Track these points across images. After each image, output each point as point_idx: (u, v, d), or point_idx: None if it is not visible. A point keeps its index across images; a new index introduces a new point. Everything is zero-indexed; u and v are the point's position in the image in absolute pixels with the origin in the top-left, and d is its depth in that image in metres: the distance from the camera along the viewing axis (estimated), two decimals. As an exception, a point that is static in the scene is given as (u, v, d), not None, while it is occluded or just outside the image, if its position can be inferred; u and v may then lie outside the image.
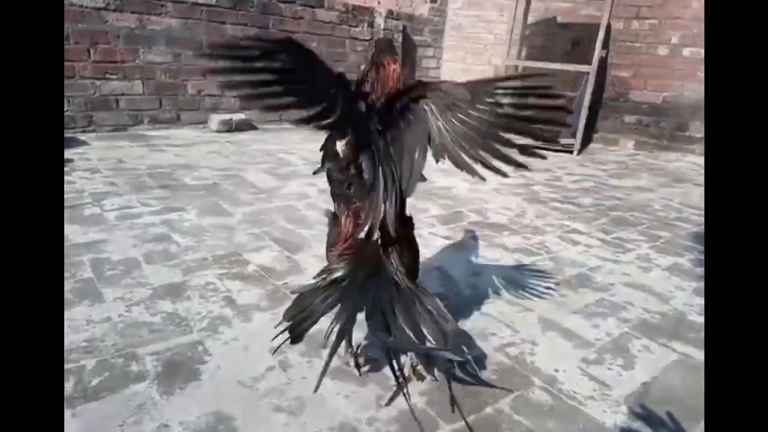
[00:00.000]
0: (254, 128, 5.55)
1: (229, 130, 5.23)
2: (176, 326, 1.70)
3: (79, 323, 1.66)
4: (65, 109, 4.36)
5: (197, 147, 4.46)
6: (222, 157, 4.20)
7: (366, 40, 6.52)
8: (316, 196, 3.30)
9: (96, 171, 3.43)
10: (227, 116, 5.28)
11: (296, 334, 1.29)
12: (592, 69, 5.52)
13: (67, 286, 1.89)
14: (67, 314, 1.71)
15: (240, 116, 5.38)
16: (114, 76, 4.56)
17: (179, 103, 5.07)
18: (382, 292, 1.31)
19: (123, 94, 4.66)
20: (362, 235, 1.29)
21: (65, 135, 4.28)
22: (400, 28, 6.76)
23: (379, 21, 6.52)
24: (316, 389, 1.33)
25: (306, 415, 1.33)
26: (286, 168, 4.02)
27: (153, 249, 2.28)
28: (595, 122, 6.56)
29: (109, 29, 4.43)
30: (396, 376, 1.26)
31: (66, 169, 3.44)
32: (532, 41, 6.82)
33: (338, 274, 1.34)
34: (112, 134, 4.60)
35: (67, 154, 3.81)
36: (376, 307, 1.27)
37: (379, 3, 7.32)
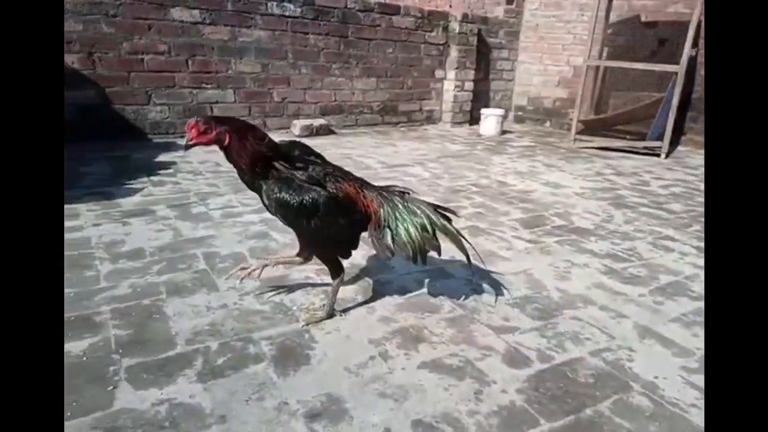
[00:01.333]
0: (332, 133, 5.77)
1: (310, 135, 5.48)
2: (284, 315, 1.85)
3: (201, 309, 1.86)
4: (166, 116, 4.77)
5: (282, 151, 4.72)
6: (305, 160, 4.42)
7: (440, 44, 6.59)
8: (397, 199, 3.40)
9: (198, 173, 3.74)
10: (308, 121, 5.54)
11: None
12: (680, 69, 5.23)
13: (186, 275, 2.11)
14: (189, 300, 1.91)
15: (320, 121, 5.63)
16: (209, 86, 4.94)
17: (265, 110, 5.39)
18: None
19: (216, 102, 5.03)
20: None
21: (166, 140, 4.70)
22: (475, 30, 6.76)
23: (454, 25, 6.56)
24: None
25: (409, 403, 1.41)
26: (364, 171, 4.16)
27: (255, 245, 2.47)
28: (683, 124, 6.21)
29: (205, 42, 4.81)
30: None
31: (170, 171, 3.78)
32: (614, 41, 6.57)
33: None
34: (206, 139, 4.98)
35: (170, 157, 4.18)
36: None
37: (450, 7, 7.36)
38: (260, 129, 1.64)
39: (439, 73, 6.72)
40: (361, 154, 4.83)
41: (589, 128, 6.19)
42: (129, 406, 1.35)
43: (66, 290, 1.91)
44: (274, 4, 5.11)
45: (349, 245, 1.79)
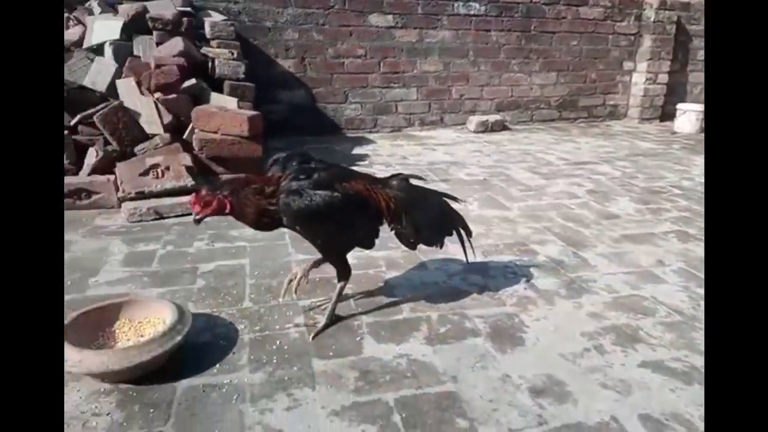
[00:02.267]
0: (507, 129, 5.76)
1: (485, 131, 5.56)
2: (491, 298, 1.98)
3: (416, 283, 2.09)
4: (359, 113, 5.28)
5: (460, 146, 4.89)
6: (484, 155, 4.52)
7: (631, 35, 6.10)
8: (585, 196, 3.31)
9: (389, 165, 4.10)
10: (484, 117, 5.62)
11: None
12: None
13: (398, 254, 2.37)
14: (404, 275, 2.16)
15: (495, 117, 5.67)
16: (396, 85, 5.33)
17: (443, 107, 5.62)
18: None
19: (401, 100, 5.40)
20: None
21: (357, 135, 5.20)
22: (674, 18, 6.10)
23: (649, 13, 6.01)
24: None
25: (634, 398, 1.43)
26: (546, 167, 4.10)
27: (452, 232, 2.65)
28: None
29: (395, 45, 5.19)
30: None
31: (366, 162, 4.20)
32: None
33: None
34: (391, 134, 5.38)
35: (363, 150, 4.63)
36: None
37: (644, -7, 6.73)
38: (260, 175, 1.65)
39: (627, 65, 6.23)
40: (540, 150, 4.76)
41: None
42: (375, 355, 1.61)
43: (309, 257, 2.30)
44: (460, 4, 5.28)
45: (370, 239, 1.80)
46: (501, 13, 5.48)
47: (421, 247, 2.44)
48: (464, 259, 1.93)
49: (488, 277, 2.15)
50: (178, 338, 1.50)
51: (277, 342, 1.68)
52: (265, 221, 1.59)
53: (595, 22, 5.91)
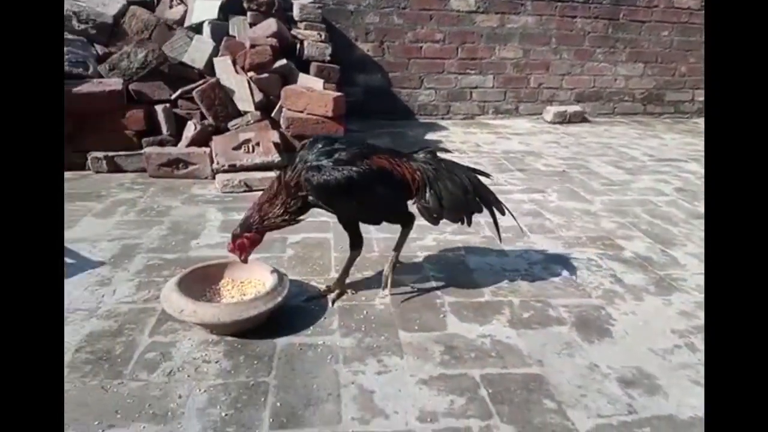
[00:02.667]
0: (586, 121, 5.55)
1: (563, 122, 5.39)
2: (575, 288, 1.97)
3: (497, 268, 2.11)
4: (432, 99, 5.28)
5: (536, 137, 4.78)
6: (562, 147, 4.40)
7: (731, 25, 5.65)
8: (672, 194, 3.16)
9: (463, 152, 4.09)
10: (562, 108, 5.45)
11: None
12: None
13: (477, 239, 2.39)
14: (484, 259, 2.18)
15: (575, 108, 5.48)
16: (472, 71, 5.27)
17: (520, 96, 5.49)
18: None
19: (476, 87, 5.34)
20: None
21: (430, 120, 5.21)
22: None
23: (754, 1, 5.54)
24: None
25: (729, 397, 1.39)
26: (631, 162, 3.94)
27: (531, 222, 2.63)
28: None
29: (475, 30, 5.13)
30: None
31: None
32: None
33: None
34: (463, 121, 5.35)
35: (435, 136, 4.64)
36: None
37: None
38: (277, 193, 1.64)
39: (723, 59, 5.79)
40: (622, 144, 4.56)
41: None
42: (459, 332, 1.66)
43: (389, 235, 2.37)
44: (546, -11, 5.12)
45: (405, 212, 1.81)
46: (588, 0, 5.26)
47: (501, 234, 2.46)
48: (544, 249, 1.93)
49: (571, 269, 2.12)
50: (279, 299, 1.61)
51: (364, 312, 1.76)
52: (299, 211, 1.65)
53: (690, 11, 5.54)
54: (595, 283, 2.01)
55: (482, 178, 1.87)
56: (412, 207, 1.80)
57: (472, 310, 1.79)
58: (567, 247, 2.33)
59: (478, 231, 2.49)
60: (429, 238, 2.38)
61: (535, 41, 5.30)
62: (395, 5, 4.88)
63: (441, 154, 1.84)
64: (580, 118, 5.52)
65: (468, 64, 5.25)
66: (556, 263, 2.17)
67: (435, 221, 1.77)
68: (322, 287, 1.87)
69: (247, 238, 1.63)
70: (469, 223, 1.81)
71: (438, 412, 1.31)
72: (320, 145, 1.65)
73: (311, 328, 1.65)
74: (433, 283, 1.97)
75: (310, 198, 1.63)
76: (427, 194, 1.72)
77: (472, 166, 3.58)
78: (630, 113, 5.83)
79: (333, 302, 1.79)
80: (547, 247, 2.32)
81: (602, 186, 3.30)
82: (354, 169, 1.58)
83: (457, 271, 2.08)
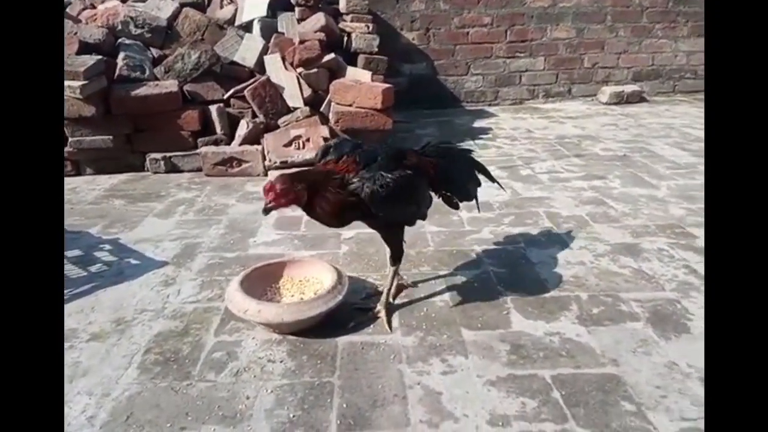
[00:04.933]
0: (644, 101, 5.24)
1: (619, 103, 5.11)
2: (647, 281, 1.85)
3: (560, 261, 2.01)
4: (479, 85, 5.13)
5: (592, 119, 4.56)
6: (620, 129, 4.17)
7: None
8: (749, 177, 2.92)
9: (514, 139, 3.96)
10: (618, 88, 5.16)
11: None
12: None
13: (536, 230, 2.30)
14: (547, 252, 2.08)
15: (632, 88, 5.18)
16: (522, 54, 5.08)
17: (572, 77, 5.25)
18: None
19: (526, 71, 5.15)
20: None
21: (477, 107, 5.08)
22: None
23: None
24: None
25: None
26: (696, 144, 3.68)
27: (594, 211, 2.50)
28: None
29: (525, 11, 4.92)
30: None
31: (489, 135, 4.09)
32: None
33: None
34: (512, 106, 5.17)
35: (484, 123, 4.51)
36: None
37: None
38: (339, 171, 1.49)
39: (801, 25, 5.31)
40: (685, 124, 4.28)
41: None
42: (525, 330, 1.59)
43: (444, 229, 2.32)
44: (600, -37, 4.84)
45: (427, 209, 1.74)
46: (646, -29, 4.93)
47: (562, 224, 2.36)
48: (610, 239, 1.82)
49: (641, 260, 2.00)
50: (339, 297, 1.60)
51: (424, 309, 1.73)
52: (346, 215, 1.49)
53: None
54: (668, 275, 1.88)
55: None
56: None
57: (537, 306, 1.71)
58: (635, 237, 2.20)
59: (537, 222, 2.39)
60: (485, 231, 2.31)
61: (590, 19, 5.03)
62: (440, -10, 4.76)
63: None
64: (638, 98, 5.22)
65: (517, 47, 5.06)
66: (624, 254, 2.05)
67: (456, 206, 1.81)
68: (373, 304, 1.72)
69: (291, 194, 1.41)
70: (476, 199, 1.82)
71: (510, 416, 1.26)
72: (349, 149, 1.54)
73: (372, 326, 1.63)
74: (494, 278, 1.90)
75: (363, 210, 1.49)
76: (446, 183, 1.73)
77: (524, 153, 3.53)
78: (692, 91, 5.45)
79: (377, 315, 1.67)
80: (613, 238, 2.20)
81: (668, 170, 3.10)
82: (407, 171, 1.52)
83: (518, 264, 2.01)
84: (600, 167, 3.18)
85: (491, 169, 3.16)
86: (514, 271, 1.96)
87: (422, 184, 1.63)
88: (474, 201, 1.80)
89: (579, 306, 1.71)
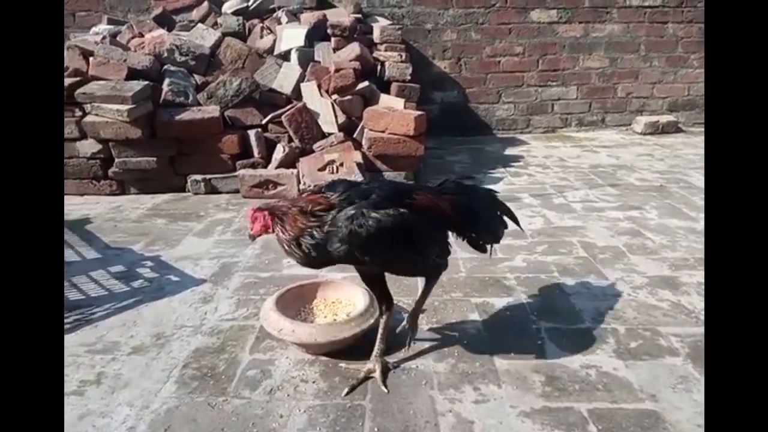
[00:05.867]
0: (680, 131, 5.15)
1: (654, 133, 5.04)
2: (686, 316, 1.80)
3: (596, 292, 1.98)
4: (511, 113, 5.16)
5: (626, 149, 4.50)
6: (656, 159, 4.10)
7: None
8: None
9: (546, 167, 3.94)
10: (654, 118, 5.10)
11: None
12: None
13: (570, 259, 2.27)
14: (581, 282, 2.06)
15: (668, 118, 5.11)
16: (554, 83, 5.09)
17: (606, 106, 5.22)
18: None
19: (558, 99, 5.15)
20: None
21: (508, 135, 5.09)
22: None
23: None
24: None
25: None
26: (737, 176, 3.58)
27: (631, 242, 2.46)
28: None
29: (557, 40, 4.96)
30: None
31: (521, 163, 4.08)
32: None
33: None
34: (544, 135, 5.16)
35: (516, 151, 4.51)
36: None
37: None
38: (306, 202, 1.38)
39: None
40: (725, 155, 4.17)
41: None
42: (559, 362, 1.56)
43: (476, 256, 2.30)
44: (634, -6, 4.86)
45: (436, 254, 1.51)
46: (681, 3, 4.92)
47: (597, 255, 2.32)
48: (647, 271, 1.77)
49: (680, 293, 1.95)
50: (371, 320, 1.61)
51: (456, 335, 1.72)
52: (306, 251, 1.34)
53: (805, 5, 5.00)
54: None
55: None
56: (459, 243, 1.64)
57: (572, 338, 1.69)
58: (673, 270, 2.15)
59: (571, 251, 2.37)
60: (518, 258, 2.29)
61: (623, 49, 5.03)
62: (473, 21, 4.86)
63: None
64: (674, 129, 5.14)
65: (549, 76, 5.08)
66: (662, 287, 2.00)
67: (483, 249, 1.63)
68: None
69: (259, 221, 1.36)
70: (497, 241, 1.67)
71: (544, 449, 1.23)
72: (343, 187, 1.43)
73: (403, 350, 1.63)
74: (527, 307, 1.89)
75: (339, 251, 1.33)
76: (469, 224, 1.57)
77: (557, 182, 3.51)
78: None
79: (369, 375, 1.51)
80: (651, 270, 2.15)
81: (707, 202, 3.03)
82: (401, 210, 1.35)
83: (553, 294, 1.98)
84: (636, 198, 3.13)
85: (523, 196, 3.18)
86: (548, 300, 1.94)
87: (426, 226, 1.43)
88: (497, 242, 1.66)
89: (616, 339, 1.67)
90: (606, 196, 3.18)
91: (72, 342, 1.69)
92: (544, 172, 3.79)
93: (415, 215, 1.38)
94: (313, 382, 1.50)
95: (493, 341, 1.68)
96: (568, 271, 2.16)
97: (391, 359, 1.58)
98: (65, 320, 1.81)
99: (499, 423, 1.32)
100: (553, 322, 1.78)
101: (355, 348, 1.60)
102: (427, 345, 1.66)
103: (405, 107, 3.48)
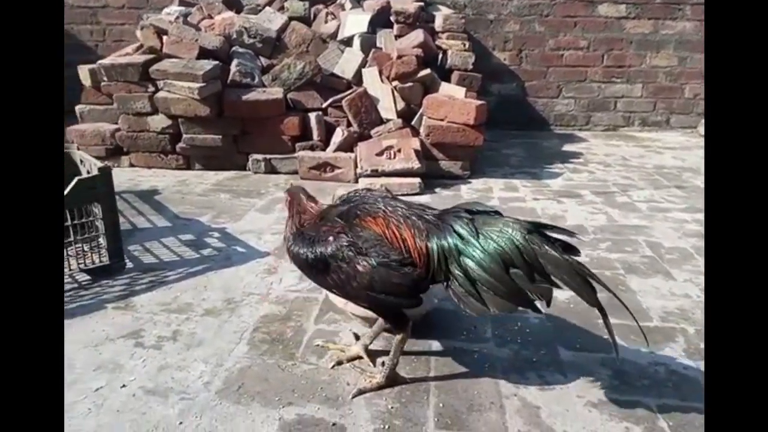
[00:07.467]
0: (753, 136, 4.88)
1: (724, 136, 4.79)
2: (764, 323, 1.72)
3: (664, 292, 1.92)
4: (570, 108, 5.02)
5: (691, 152, 4.31)
6: (725, 164, 3.90)
7: None
8: None
9: (608, 165, 3.82)
10: (724, 121, 4.84)
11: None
12: None
13: (635, 258, 2.21)
14: (648, 281, 2.00)
15: (739, 121, 4.84)
16: (618, 80, 4.92)
17: (672, 107, 5.00)
18: None
19: (622, 97, 4.97)
20: None
21: (566, 131, 4.96)
22: None
23: None
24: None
25: None
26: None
27: (699, 244, 2.36)
28: None
29: (624, 36, 4.78)
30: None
31: (581, 160, 3.98)
32: None
33: None
34: (604, 132, 5.00)
35: (575, 148, 4.39)
36: None
37: None
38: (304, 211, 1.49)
39: None
40: (803, 163, 3.92)
41: None
42: (627, 357, 1.53)
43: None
44: (711, -11, 4.61)
45: (404, 295, 1.29)
46: None
47: (664, 255, 2.25)
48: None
49: (756, 299, 1.86)
50: (435, 300, 1.63)
51: (518, 323, 1.71)
52: (306, 269, 1.40)
53: None
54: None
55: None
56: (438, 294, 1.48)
57: (639, 335, 1.63)
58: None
59: (636, 250, 2.30)
60: (581, 253, 2.24)
61: (693, 48, 4.79)
62: (538, 13, 4.75)
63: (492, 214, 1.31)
64: (745, 132, 4.86)
65: (614, 72, 4.91)
66: (735, 292, 1.91)
67: (475, 311, 1.23)
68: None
69: (286, 201, 1.56)
70: (534, 309, 1.29)
71: (614, 439, 1.22)
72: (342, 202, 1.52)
73: (464, 334, 1.64)
74: (591, 301, 1.85)
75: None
76: (456, 271, 1.23)
77: (620, 180, 3.40)
78: None
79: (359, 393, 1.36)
80: (723, 274, 2.06)
81: (784, 209, 2.86)
82: (344, 238, 1.28)
83: (617, 291, 1.93)
84: (703, 200, 2.99)
85: (584, 193, 3.10)
86: (614, 297, 1.89)
87: (360, 262, 1.26)
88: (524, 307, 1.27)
89: (686, 339, 1.62)
90: (672, 197, 3.06)
91: (149, 300, 1.79)
92: (606, 170, 3.68)
93: (346, 246, 1.27)
94: (377, 356, 1.53)
95: (556, 332, 1.66)
96: (633, 269, 2.10)
97: (453, 342, 1.59)
98: (141, 280, 1.92)
99: (565, 411, 1.31)
100: (620, 318, 1.73)
101: (420, 326, 1.62)
102: (488, 331, 1.66)
103: (466, 96, 3.45)
